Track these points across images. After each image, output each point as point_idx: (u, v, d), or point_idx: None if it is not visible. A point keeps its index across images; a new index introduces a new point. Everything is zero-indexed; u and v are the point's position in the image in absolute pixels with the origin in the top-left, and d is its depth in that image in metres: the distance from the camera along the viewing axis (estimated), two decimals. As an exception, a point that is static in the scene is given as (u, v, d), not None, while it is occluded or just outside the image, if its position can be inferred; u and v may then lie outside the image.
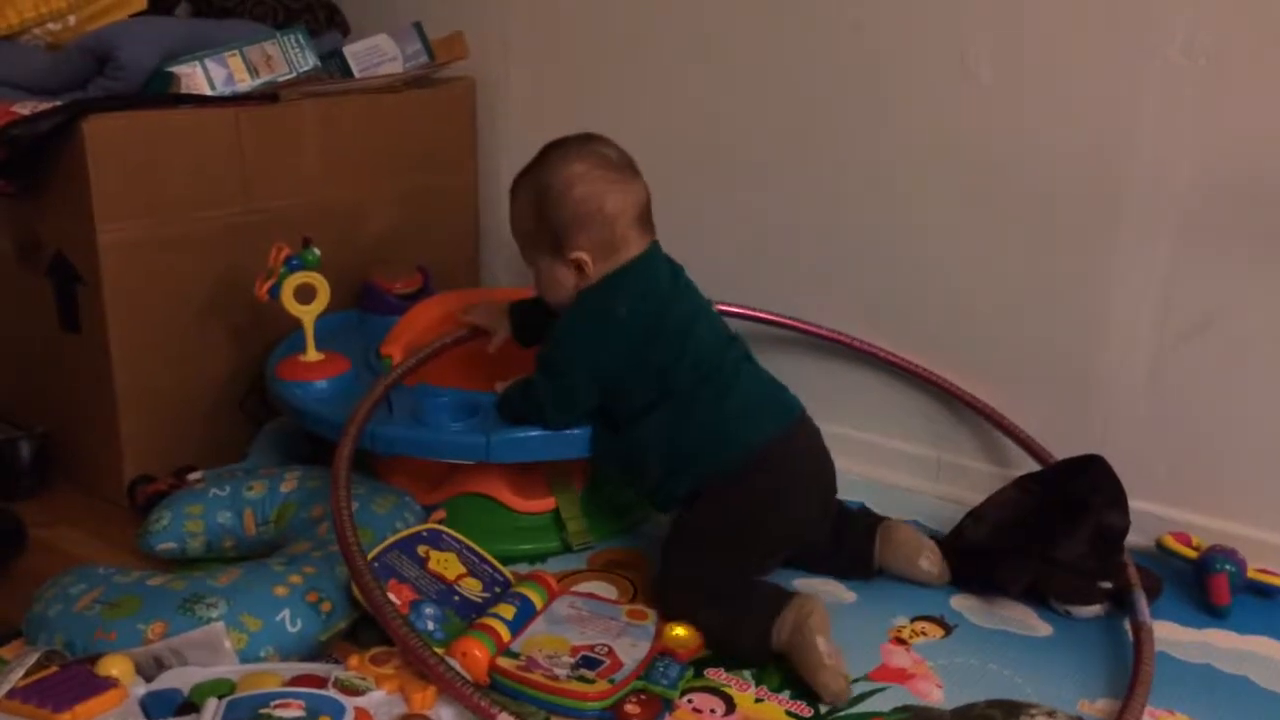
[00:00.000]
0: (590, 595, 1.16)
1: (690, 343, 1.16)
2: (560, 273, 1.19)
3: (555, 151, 1.19)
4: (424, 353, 1.30)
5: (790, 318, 1.49)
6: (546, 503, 1.30)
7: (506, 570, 1.18)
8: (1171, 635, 1.14)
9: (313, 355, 1.33)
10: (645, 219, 1.19)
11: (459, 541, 1.17)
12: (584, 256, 1.17)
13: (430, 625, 1.05)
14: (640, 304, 1.16)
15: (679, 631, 1.09)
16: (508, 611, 1.07)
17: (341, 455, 1.12)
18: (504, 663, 1.01)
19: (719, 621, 1.09)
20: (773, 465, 1.15)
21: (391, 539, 1.12)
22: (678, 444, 1.15)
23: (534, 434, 1.20)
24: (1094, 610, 1.17)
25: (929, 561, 1.22)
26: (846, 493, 1.41)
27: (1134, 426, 1.31)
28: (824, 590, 1.20)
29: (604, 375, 1.17)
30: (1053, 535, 1.17)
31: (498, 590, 1.14)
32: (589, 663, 1.02)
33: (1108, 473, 1.21)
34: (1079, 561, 1.16)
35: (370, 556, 1.07)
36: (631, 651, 1.05)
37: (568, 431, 1.20)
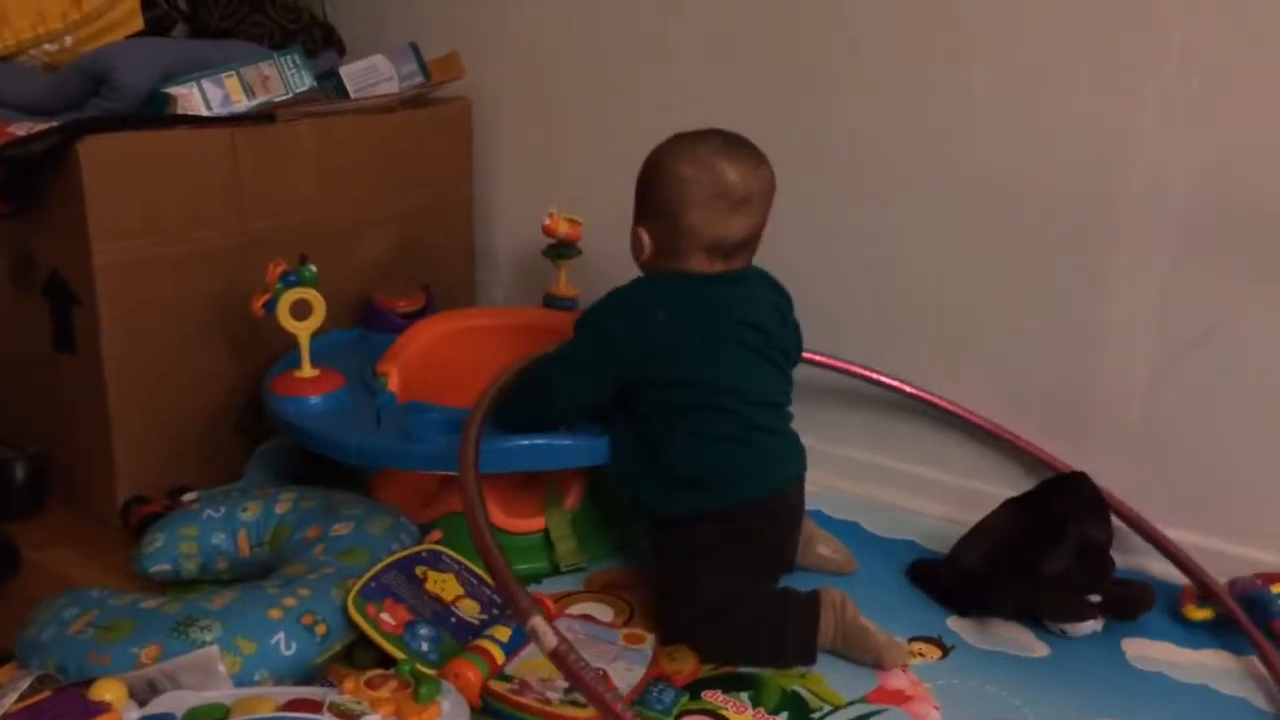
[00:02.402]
0: (587, 618, 1.15)
1: (713, 373, 1.16)
2: (637, 233, 1.21)
3: (689, 141, 1.18)
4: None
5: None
6: (537, 522, 1.29)
7: (505, 593, 1.18)
8: (1168, 656, 1.14)
9: (307, 371, 1.33)
10: (723, 251, 1.18)
11: (458, 563, 1.17)
12: (645, 236, 1.20)
13: (425, 646, 1.04)
14: (663, 314, 1.16)
15: (676, 656, 1.08)
16: (503, 634, 1.07)
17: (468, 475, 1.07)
18: (496, 685, 1.00)
19: (761, 637, 1.10)
20: (786, 505, 1.20)
21: (390, 559, 1.12)
22: (697, 464, 1.16)
23: (521, 443, 1.19)
24: (1089, 627, 1.16)
25: (826, 548, 1.28)
26: (842, 512, 1.42)
27: (1130, 443, 1.31)
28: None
29: (615, 363, 1.17)
30: (1038, 553, 1.17)
31: (495, 612, 1.13)
32: (583, 686, 1.02)
33: (1089, 487, 1.23)
34: (1064, 576, 1.16)
35: (368, 577, 1.07)
36: (626, 676, 1.04)
37: (556, 443, 1.20)
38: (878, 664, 1.10)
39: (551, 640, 0.88)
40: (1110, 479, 1.28)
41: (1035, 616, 1.18)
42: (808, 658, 1.10)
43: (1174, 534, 1.28)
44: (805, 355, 1.35)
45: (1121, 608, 1.18)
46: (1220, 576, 1.22)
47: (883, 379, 1.45)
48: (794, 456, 1.22)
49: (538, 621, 0.89)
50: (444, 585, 1.13)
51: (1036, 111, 1.30)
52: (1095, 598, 1.16)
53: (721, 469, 1.16)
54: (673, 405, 1.17)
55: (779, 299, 1.25)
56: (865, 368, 1.45)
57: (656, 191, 1.18)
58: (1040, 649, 1.15)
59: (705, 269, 1.19)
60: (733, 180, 1.15)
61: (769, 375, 1.21)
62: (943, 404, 1.42)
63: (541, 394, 1.20)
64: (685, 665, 1.09)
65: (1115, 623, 1.18)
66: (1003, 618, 1.18)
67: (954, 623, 1.19)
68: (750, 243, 1.20)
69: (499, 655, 1.04)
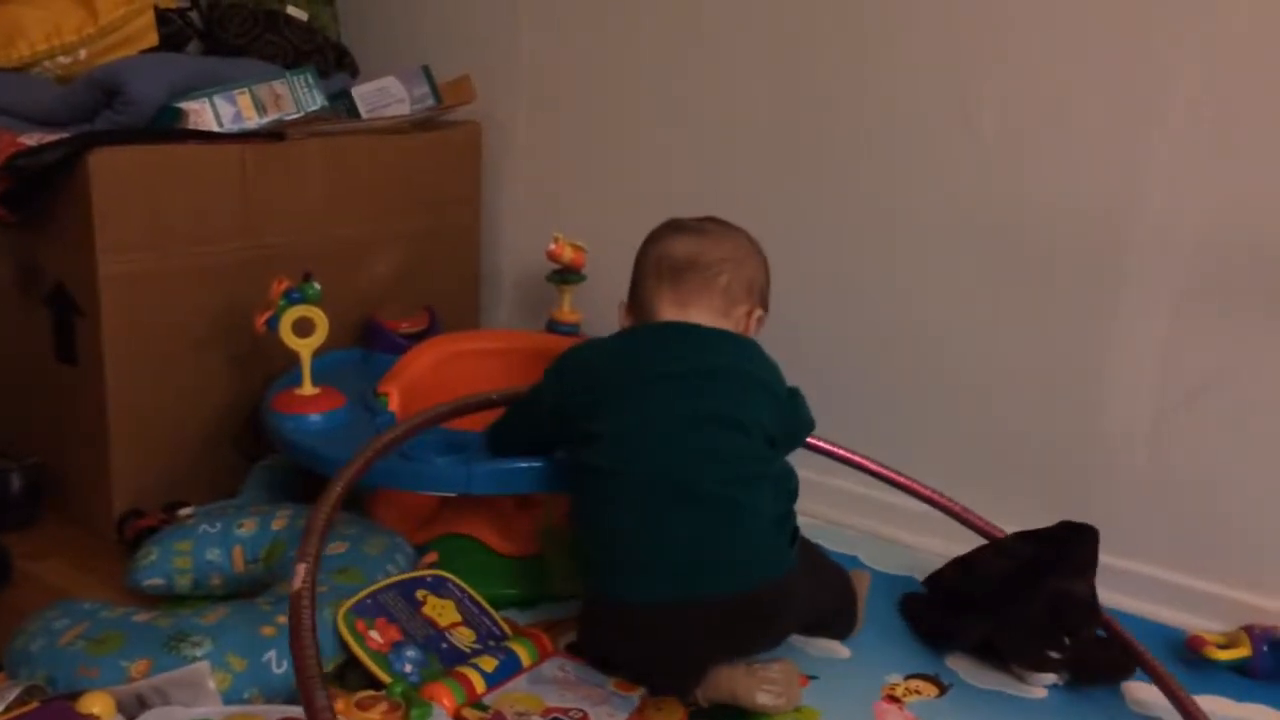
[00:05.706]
0: (582, 660, 1.13)
1: (626, 426, 1.08)
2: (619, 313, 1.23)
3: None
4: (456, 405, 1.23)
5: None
6: (533, 546, 1.28)
7: (506, 625, 1.16)
8: (1168, 701, 1.12)
9: (308, 389, 1.32)
10: (670, 268, 1.17)
11: (462, 591, 1.16)
12: (622, 307, 1.22)
13: (408, 668, 1.04)
14: (590, 353, 1.17)
15: (663, 707, 1.06)
16: (488, 664, 1.06)
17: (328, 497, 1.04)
18: (470, 714, 0.99)
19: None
20: (669, 623, 1.03)
21: (393, 578, 1.12)
22: (584, 537, 1.12)
23: (519, 465, 1.18)
24: (1048, 679, 1.14)
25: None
26: (847, 547, 1.41)
27: (1134, 491, 1.30)
28: (816, 644, 1.19)
29: (544, 404, 1.16)
30: (1014, 592, 1.15)
31: (491, 643, 1.12)
32: (556, 726, 1.00)
33: (1086, 542, 1.17)
34: (1024, 620, 1.13)
35: (364, 593, 1.08)
36: None
37: (550, 466, 1.19)
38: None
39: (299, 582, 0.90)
40: (1114, 527, 1.26)
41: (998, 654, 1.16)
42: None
43: (1179, 580, 1.28)
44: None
45: (1085, 669, 1.13)
46: (1224, 623, 1.22)
47: (860, 460, 1.35)
48: (707, 569, 1.02)
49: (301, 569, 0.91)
50: (442, 611, 1.12)
51: (1044, 156, 1.30)
52: (1054, 654, 1.12)
53: (602, 557, 1.07)
54: (583, 468, 1.10)
55: (755, 369, 1.14)
56: (845, 448, 1.35)
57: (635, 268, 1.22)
58: (1038, 690, 1.14)
59: (664, 314, 1.16)
60: (681, 219, 1.22)
61: (713, 449, 1.06)
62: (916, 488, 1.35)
63: (499, 425, 1.22)
64: (671, 718, 1.05)
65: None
66: (962, 650, 1.17)
67: (952, 661, 1.18)
68: (697, 265, 1.16)
69: (479, 684, 1.03)
